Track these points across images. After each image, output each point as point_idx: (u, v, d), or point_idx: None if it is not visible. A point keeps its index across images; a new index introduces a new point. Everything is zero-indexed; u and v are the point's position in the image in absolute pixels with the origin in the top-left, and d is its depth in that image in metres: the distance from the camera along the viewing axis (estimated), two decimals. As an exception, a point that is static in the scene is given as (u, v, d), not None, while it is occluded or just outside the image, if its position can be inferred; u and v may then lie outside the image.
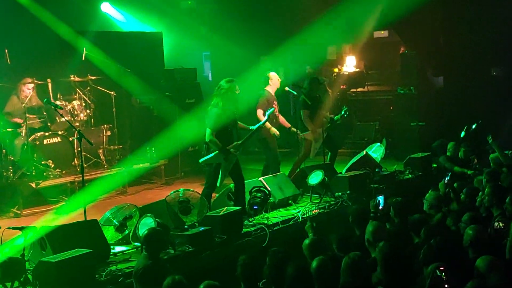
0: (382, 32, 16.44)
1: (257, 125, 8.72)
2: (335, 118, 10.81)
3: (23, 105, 10.71)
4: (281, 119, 10.61)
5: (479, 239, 5.74)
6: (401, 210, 7.40)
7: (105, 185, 10.72)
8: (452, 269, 4.94)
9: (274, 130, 10.14)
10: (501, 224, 6.46)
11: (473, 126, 11.35)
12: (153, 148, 12.37)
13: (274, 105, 10.23)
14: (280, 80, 10.56)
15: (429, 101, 13.87)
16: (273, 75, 10.51)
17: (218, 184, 8.44)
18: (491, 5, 13.85)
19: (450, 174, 8.89)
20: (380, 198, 8.26)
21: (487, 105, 13.37)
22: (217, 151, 8.25)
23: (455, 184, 8.50)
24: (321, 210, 8.96)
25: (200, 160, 8.47)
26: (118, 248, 7.33)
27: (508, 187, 7.75)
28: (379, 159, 11.40)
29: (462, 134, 11.24)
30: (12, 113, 10.91)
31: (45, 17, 11.80)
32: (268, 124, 9.92)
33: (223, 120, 8.29)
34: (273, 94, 10.45)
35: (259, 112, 10.05)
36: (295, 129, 10.55)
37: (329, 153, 10.98)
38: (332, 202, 9.28)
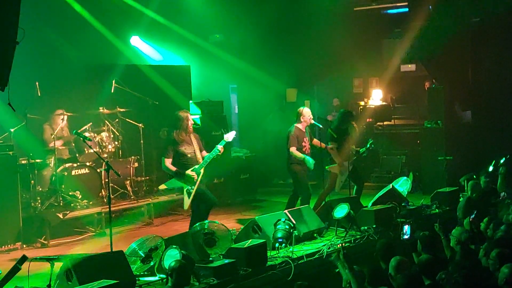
0: (410, 66, 16.45)
1: (211, 154, 9.00)
2: (360, 150, 10.78)
3: (52, 136, 10.88)
4: (315, 141, 10.66)
5: None
6: (428, 244, 7.33)
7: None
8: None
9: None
10: None
11: (501, 161, 11.22)
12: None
13: (304, 142, 10.27)
14: (311, 117, 10.43)
15: (456, 135, 13.77)
16: (305, 112, 10.38)
17: (184, 207, 9.05)
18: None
19: (475, 212, 8.76)
20: (407, 228, 8.16)
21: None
22: (174, 178, 8.89)
23: (485, 220, 8.37)
24: (347, 244, 8.86)
25: (159, 187, 9.39)
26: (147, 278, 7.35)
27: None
28: (406, 193, 11.30)
29: (491, 168, 11.10)
30: (48, 141, 11.15)
31: (75, 51, 12.06)
32: (297, 153, 10.09)
33: (176, 148, 8.87)
34: (303, 130, 10.39)
35: (293, 150, 10.14)
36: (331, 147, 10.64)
37: (355, 186, 10.94)
38: (358, 236, 9.17)
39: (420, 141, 14.61)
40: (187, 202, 8.82)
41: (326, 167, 10.65)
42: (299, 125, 10.36)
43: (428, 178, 13.43)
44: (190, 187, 8.84)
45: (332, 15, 14.80)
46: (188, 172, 8.82)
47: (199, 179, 8.87)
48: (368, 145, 10.73)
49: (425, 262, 6.52)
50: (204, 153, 9.14)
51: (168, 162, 8.87)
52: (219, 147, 8.98)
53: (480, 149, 13.60)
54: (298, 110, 10.51)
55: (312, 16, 14.93)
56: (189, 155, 8.94)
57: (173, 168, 8.82)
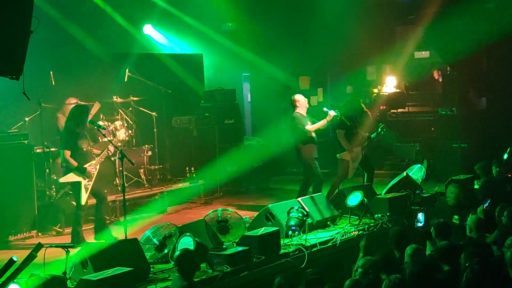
0: (424, 52, 16.33)
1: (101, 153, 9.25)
2: (372, 136, 10.74)
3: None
4: None
5: None
6: (442, 232, 7.30)
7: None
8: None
9: None
10: None
11: None
12: (192, 168, 12.49)
13: None
14: (306, 100, 10.52)
15: (471, 122, 13.67)
16: (298, 97, 10.44)
17: (81, 203, 8.83)
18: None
19: (489, 200, 8.71)
20: (421, 215, 8.14)
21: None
22: (72, 170, 8.76)
23: (497, 208, 8.33)
24: (360, 232, 8.86)
25: (59, 180, 9.32)
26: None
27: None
28: (420, 180, 11.25)
29: (505, 156, 11.03)
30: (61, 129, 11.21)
31: (88, 40, 12.09)
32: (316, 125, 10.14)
33: (75, 142, 8.81)
34: (305, 115, 10.42)
35: (309, 127, 10.17)
36: None
37: (365, 174, 10.91)
38: (372, 224, 9.16)
39: (435, 129, 14.55)
40: (84, 197, 8.86)
41: (337, 154, 10.63)
42: (299, 110, 10.37)
43: (443, 166, 13.34)
44: (87, 182, 8.88)
45: (345, 2, 14.71)
46: (87, 167, 8.88)
47: (95, 174, 8.98)
48: (379, 129, 10.68)
49: (443, 248, 6.51)
50: (93, 149, 9.31)
51: (68, 154, 8.80)
52: (110, 148, 9.36)
53: (495, 136, 13.48)
54: (292, 98, 10.52)
55: (325, 3, 14.85)
56: (84, 149, 9.00)
57: (74, 163, 8.76)
